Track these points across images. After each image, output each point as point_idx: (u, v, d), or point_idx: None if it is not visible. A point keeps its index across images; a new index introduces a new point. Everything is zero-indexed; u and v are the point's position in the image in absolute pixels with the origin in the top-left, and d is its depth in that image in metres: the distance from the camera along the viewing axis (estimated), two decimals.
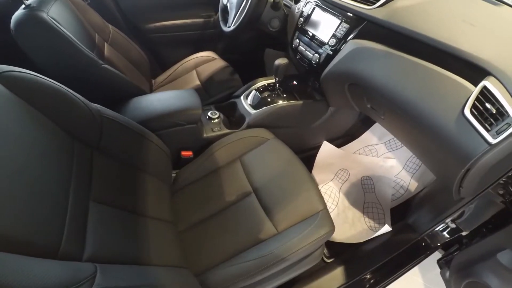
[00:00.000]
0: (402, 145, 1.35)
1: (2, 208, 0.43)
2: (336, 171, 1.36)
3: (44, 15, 0.86)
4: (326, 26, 1.01)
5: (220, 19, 1.38)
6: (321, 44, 1.04)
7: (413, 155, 1.28)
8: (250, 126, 1.13)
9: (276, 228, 0.81)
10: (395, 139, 1.41)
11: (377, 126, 1.46)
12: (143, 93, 1.15)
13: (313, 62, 1.08)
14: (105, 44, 1.22)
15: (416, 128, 0.78)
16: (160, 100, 1.04)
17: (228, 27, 1.27)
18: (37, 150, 0.55)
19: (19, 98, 0.58)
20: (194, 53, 1.61)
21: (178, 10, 1.63)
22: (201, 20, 1.69)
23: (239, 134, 1.04)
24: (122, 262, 0.57)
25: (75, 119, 0.67)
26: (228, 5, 1.32)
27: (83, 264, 0.48)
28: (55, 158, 0.58)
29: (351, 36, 0.92)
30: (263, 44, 1.69)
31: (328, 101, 1.21)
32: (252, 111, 1.16)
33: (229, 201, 0.89)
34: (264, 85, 1.25)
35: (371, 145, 1.46)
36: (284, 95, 1.20)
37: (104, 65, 0.99)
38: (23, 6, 0.86)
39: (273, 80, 1.25)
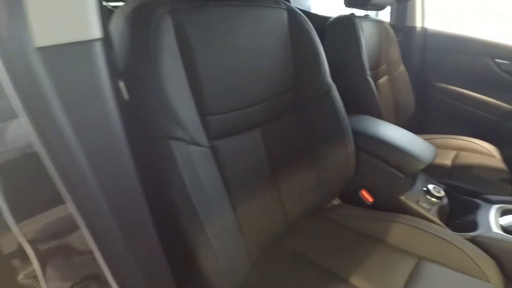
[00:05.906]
0: None
1: None
2: None
3: (355, 20, 0.99)
4: None
5: None
6: None
7: None
8: (476, 243, 0.70)
9: None
10: None
11: None
12: None
13: None
14: (387, 76, 1.25)
15: None
16: (399, 134, 0.88)
17: None
18: None
19: None
20: (469, 136, 1.25)
21: (476, 84, 1.34)
22: (502, 103, 1.27)
23: (451, 239, 0.67)
24: None
25: None
26: None
27: None
28: None
29: None
30: None
31: None
32: (499, 233, 0.71)
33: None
34: None
35: None
36: None
37: (372, 90, 1.03)
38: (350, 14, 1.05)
39: None
